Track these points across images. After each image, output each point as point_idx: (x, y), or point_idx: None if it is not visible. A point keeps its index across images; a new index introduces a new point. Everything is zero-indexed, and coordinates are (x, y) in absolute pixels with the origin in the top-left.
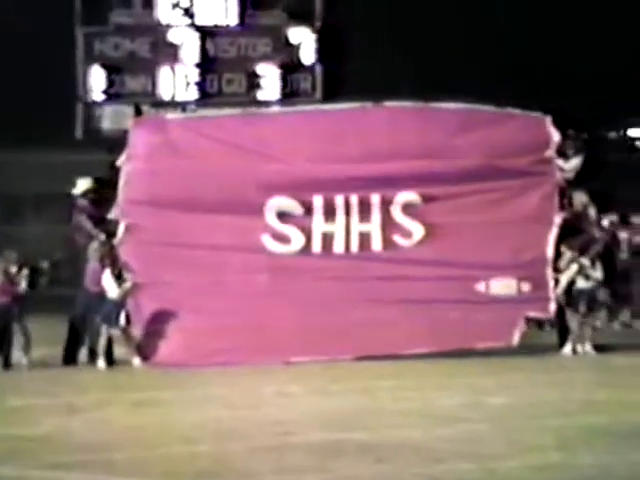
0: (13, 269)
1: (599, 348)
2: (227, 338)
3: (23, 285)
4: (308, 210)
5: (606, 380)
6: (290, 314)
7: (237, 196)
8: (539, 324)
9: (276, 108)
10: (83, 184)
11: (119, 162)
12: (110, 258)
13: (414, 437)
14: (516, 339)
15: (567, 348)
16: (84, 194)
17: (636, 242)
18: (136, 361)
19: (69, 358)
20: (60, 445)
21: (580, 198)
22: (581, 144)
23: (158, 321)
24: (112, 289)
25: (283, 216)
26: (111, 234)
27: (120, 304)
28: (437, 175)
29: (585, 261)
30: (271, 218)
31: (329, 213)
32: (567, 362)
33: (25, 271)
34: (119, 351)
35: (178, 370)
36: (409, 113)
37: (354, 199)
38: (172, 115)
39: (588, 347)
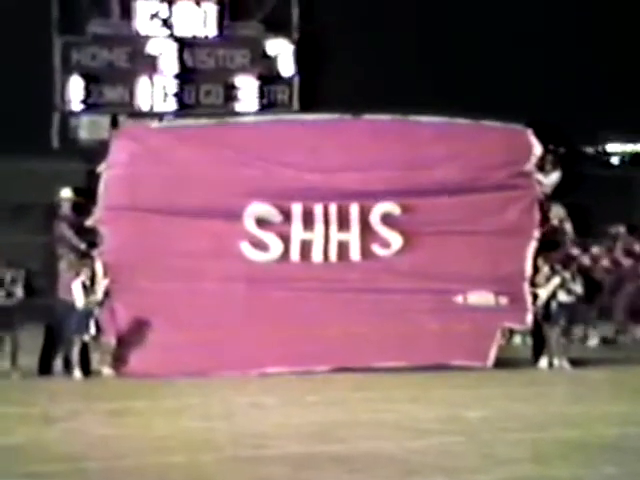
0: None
1: (575, 362)
2: (202, 348)
3: (19, 293)
4: (287, 217)
5: (582, 394)
6: (267, 324)
7: (216, 202)
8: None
9: (255, 117)
10: (66, 193)
11: (100, 169)
12: (83, 268)
13: (388, 449)
14: (492, 360)
15: (543, 362)
16: (66, 202)
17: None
18: (106, 370)
19: (44, 368)
20: (34, 455)
21: (557, 212)
22: (558, 159)
23: (133, 329)
24: (80, 298)
25: (262, 223)
26: (91, 243)
27: (90, 313)
28: (416, 188)
29: (567, 275)
30: (250, 224)
31: (308, 221)
32: (543, 376)
33: (19, 278)
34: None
35: (152, 380)
36: (387, 126)
37: (333, 208)
38: (154, 124)
39: (564, 361)
